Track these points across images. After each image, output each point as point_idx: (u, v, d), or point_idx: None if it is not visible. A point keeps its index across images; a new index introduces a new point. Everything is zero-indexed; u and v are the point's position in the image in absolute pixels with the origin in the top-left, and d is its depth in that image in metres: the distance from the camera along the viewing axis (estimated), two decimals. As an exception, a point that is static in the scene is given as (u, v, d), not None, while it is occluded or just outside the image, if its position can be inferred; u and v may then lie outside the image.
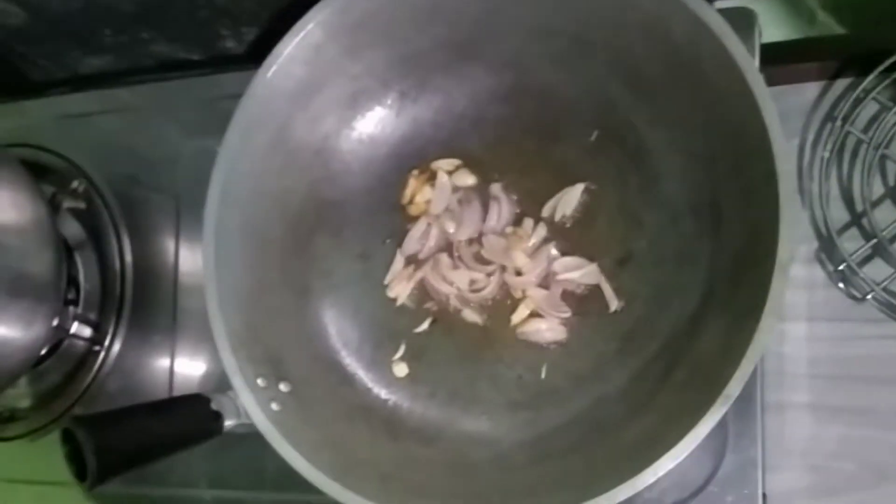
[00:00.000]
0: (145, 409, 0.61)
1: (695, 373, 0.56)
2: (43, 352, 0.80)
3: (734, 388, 0.50)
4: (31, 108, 0.92)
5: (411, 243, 0.71)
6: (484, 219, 0.70)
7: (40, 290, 0.72)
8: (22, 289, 0.70)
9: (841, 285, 0.67)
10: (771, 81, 0.54)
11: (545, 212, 0.69)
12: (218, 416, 0.61)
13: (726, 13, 0.54)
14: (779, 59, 0.68)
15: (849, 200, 0.69)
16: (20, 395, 0.84)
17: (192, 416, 0.61)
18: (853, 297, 0.67)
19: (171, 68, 0.90)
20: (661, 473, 0.50)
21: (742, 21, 0.63)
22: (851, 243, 0.66)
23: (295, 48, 0.65)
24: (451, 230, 0.71)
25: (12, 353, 0.71)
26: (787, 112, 0.69)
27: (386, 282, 0.71)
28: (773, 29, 0.73)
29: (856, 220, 0.68)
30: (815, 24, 0.73)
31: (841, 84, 0.70)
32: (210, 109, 0.79)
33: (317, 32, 0.65)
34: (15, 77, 0.95)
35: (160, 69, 0.90)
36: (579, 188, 0.68)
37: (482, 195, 0.71)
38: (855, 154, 0.69)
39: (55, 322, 0.75)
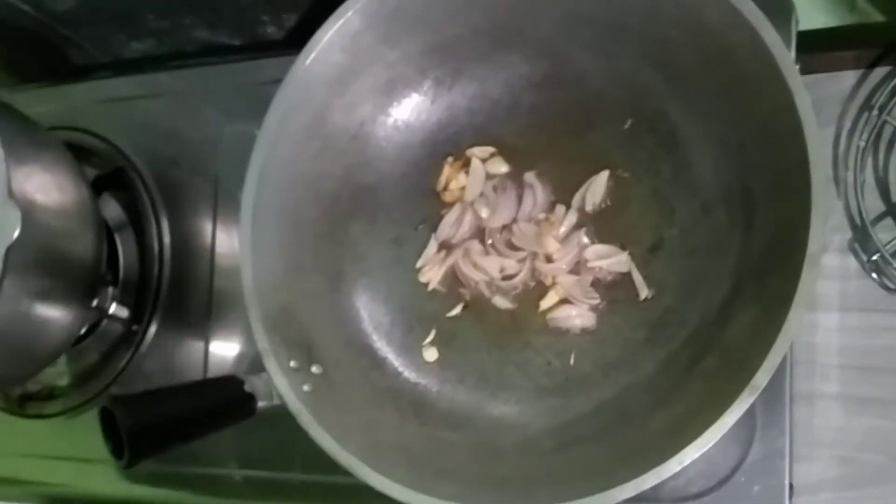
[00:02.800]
0: (181, 390, 0.63)
1: (723, 362, 0.56)
2: (82, 331, 0.82)
3: (762, 378, 0.50)
4: (75, 91, 0.93)
5: (445, 229, 0.72)
6: (518, 206, 0.70)
7: (81, 271, 0.73)
8: (64, 269, 0.72)
9: (874, 275, 0.67)
10: (808, 69, 0.54)
11: (575, 202, 0.69)
12: (251, 398, 0.62)
13: (763, 2, 0.54)
14: (816, 47, 0.67)
15: (884, 190, 0.68)
16: (59, 374, 0.86)
17: (227, 397, 0.62)
18: (886, 288, 0.66)
19: (212, 53, 0.91)
20: (686, 462, 0.50)
21: (779, 9, 0.62)
22: (886, 233, 0.66)
23: (334, 35, 0.65)
24: (485, 216, 0.71)
25: (53, 331, 0.73)
26: (823, 100, 0.69)
27: (418, 265, 0.72)
28: (812, 16, 0.72)
29: (891, 210, 0.68)
30: (854, 12, 0.72)
31: (879, 73, 0.69)
32: (250, 94, 0.80)
33: (355, 20, 0.65)
34: (60, 61, 0.96)
35: (201, 54, 0.91)
36: (604, 176, 0.68)
37: (517, 183, 0.71)
38: (891, 143, 0.68)
39: (94, 302, 0.77)
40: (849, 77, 0.70)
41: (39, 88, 0.95)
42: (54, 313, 0.72)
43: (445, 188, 0.72)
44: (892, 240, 0.65)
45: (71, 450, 0.84)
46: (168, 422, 0.59)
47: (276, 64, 0.70)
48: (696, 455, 0.50)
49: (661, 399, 0.60)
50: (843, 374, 0.67)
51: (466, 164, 0.72)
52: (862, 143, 0.67)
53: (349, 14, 0.65)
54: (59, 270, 0.71)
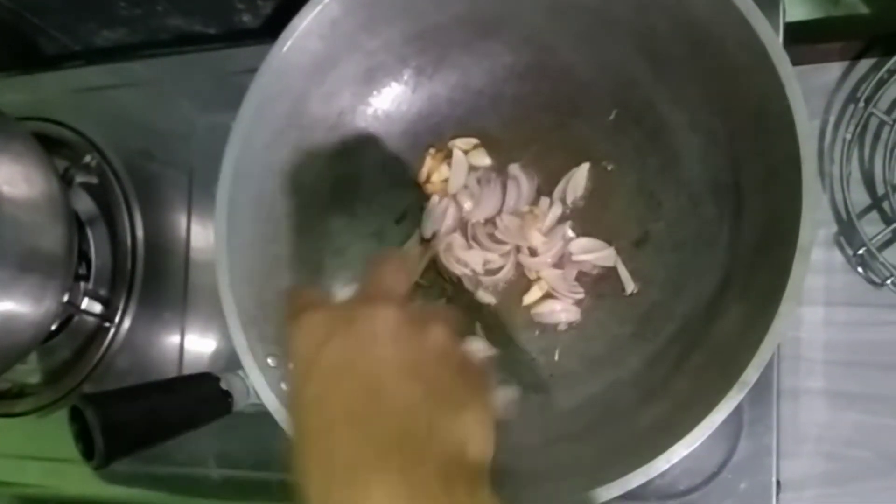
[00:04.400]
0: (154, 388, 0.61)
1: (711, 358, 0.56)
2: (53, 327, 0.80)
3: (751, 374, 0.49)
4: (46, 81, 0.91)
5: (429, 222, 0.71)
6: (503, 199, 0.69)
7: (51, 265, 0.72)
8: (33, 264, 0.70)
9: (860, 270, 0.66)
10: (793, 61, 0.53)
11: (556, 195, 0.68)
12: (227, 396, 0.61)
13: (749, -8, 0.53)
14: (802, 39, 0.67)
15: (870, 183, 0.68)
16: (30, 371, 0.84)
17: (202, 395, 0.61)
18: (872, 282, 0.66)
19: (185, 42, 0.89)
20: (674, 460, 0.50)
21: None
22: (872, 227, 0.65)
23: (311, 22, 0.64)
24: (469, 208, 0.70)
25: (23, 328, 0.71)
26: (809, 92, 0.67)
27: (399, 257, 0.71)
28: (797, 8, 0.72)
29: (877, 203, 0.67)
30: (840, 4, 0.71)
31: (864, 65, 0.69)
32: (225, 84, 0.79)
33: (334, 6, 0.64)
34: (29, 50, 0.95)
35: (175, 42, 0.90)
36: (585, 168, 0.67)
37: (501, 175, 0.70)
38: (877, 136, 0.68)
39: (66, 297, 0.76)
40: (834, 69, 0.70)
41: (8, 78, 0.93)
42: (24, 309, 0.70)
43: (427, 180, 0.71)
44: (878, 234, 0.65)
45: (42, 449, 0.83)
46: (140, 421, 0.58)
47: (252, 53, 0.69)
48: (685, 453, 0.50)
49: (649, 395, 0.59)
50: (829, 369, 0.67)
51: (449, 156, 0.71)
52: (848, 136, 0.66)
53: (327, 0, 0.63)
54: (28, 265, 0.70)
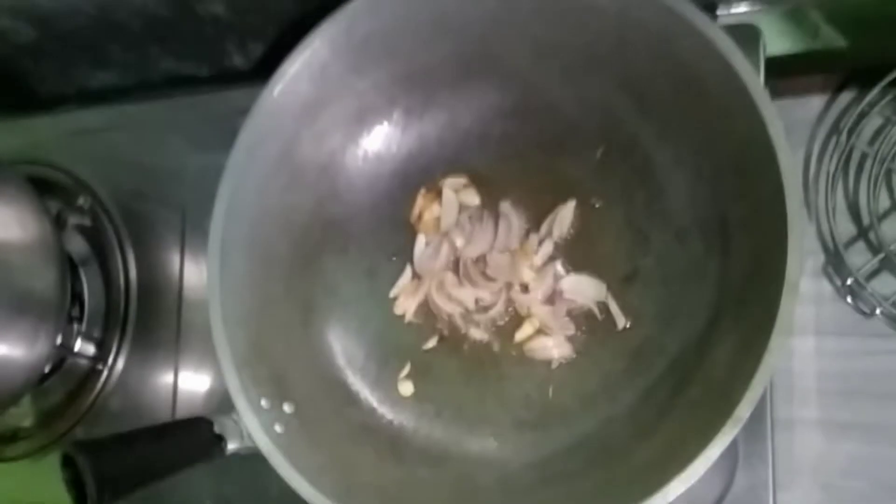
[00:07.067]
0: (146, 434, 0.61)
1: (704, 393, 0.56)
2: (46, 370, 0.80)
3: (744, 410, 0.50)
4: (39, 124, 0.92)
5: (424, 260, 0.71)
6: (495, 236, 0.70)
7: (44, 308, 0.72)
8: (26, 306, 0.70)
9: (849, 300, 0.67)
10: (775, 94, 0.54)
11: (542, 232, 0.68)
12: (220, 440, 0.60)
13: (731, 30, 0.54)
14: (783, 72, 0.68)
15: (855, 214, 0.68)
16: (23, 414, 0.84)
17: (195, 440, 0.60)
18: (861, 312, 0.66)
19: (178, 84, 0.90)
20: (671, 498, 0.50)
21: (747, 37, 0.63)
22: (859, 257, 0.66)
23: (301, 66, 0.65)
24: (460, 245, 0.70)
25: (16, 371, 0.71)
26: (792, 125, 0.69)
27: (391, 295, 0.71)
28: (777, 42, 0.72)
29: (863, 233, 0.68)
30: (819, 38, 0.72)
31: (846, 97, 0.70)
32: (217, 125, 0.79)
33: (323, 50, 0.65)
34: (23, 93, 0.95)
35: (167, 85, 0.90)
36: (571, 206, 0.68)
37: (492, 212, 0.70)
38: (861, 167, 0.68)
39: (59, 340, 0.75)
40: (816, 102, 0.70)
41: (1, 121, 0.93)
42: (17, 352, 0.70)
43: (419, 219, 0.72)
44: (866, 264, 0.65)
45: (36, 494, 0.82)
46: (133, 468, 0.57)
47: (244, 94, 0.69)
48: (682, 490, 0.50)
49: (644, 431, 0.59)
50: (822, 399, 0.67)
51: (440, 195, 0.71)
52: (832, 168, 0.67)
53: (316, 44, 0.64)
54: (21, 308, 0.70)
